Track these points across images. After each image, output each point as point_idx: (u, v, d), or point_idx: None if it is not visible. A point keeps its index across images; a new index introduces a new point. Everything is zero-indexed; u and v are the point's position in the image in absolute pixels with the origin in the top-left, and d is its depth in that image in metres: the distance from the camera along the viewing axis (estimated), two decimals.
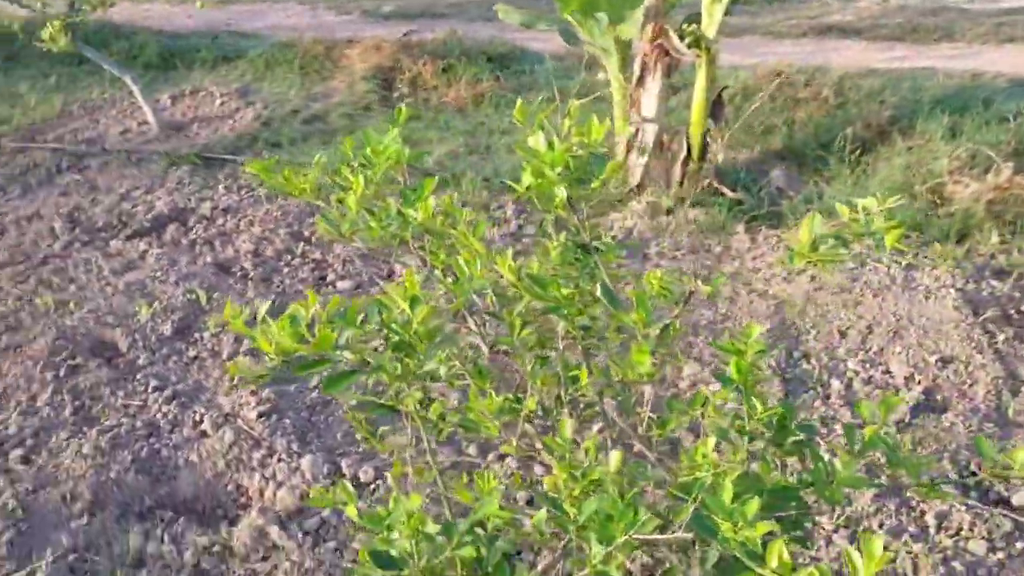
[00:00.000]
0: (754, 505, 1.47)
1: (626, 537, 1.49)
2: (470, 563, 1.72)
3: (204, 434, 3.55)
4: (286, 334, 1.61)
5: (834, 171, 5.71)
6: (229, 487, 3.32)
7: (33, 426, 3.64)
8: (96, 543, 3.04)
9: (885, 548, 3.07)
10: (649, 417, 2.20)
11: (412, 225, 2.32)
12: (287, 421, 3.57)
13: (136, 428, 3.60)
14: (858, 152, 5.74)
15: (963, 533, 2.98)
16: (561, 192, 2.17)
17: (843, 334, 4.19)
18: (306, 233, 5.36)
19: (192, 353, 4.15)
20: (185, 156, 6.78)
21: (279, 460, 3.37)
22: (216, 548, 3.01)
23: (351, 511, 1.56)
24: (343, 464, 3.34)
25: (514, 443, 1.99)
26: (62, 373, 3.99)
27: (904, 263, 4.62)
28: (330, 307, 1.59)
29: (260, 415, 3.59)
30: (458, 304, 1.79)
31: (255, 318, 1.65)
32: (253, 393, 3.73)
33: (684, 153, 5.63)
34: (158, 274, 4.89)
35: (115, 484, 3.29)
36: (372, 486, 3.26)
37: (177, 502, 3.27)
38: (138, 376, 3.98)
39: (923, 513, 3.07)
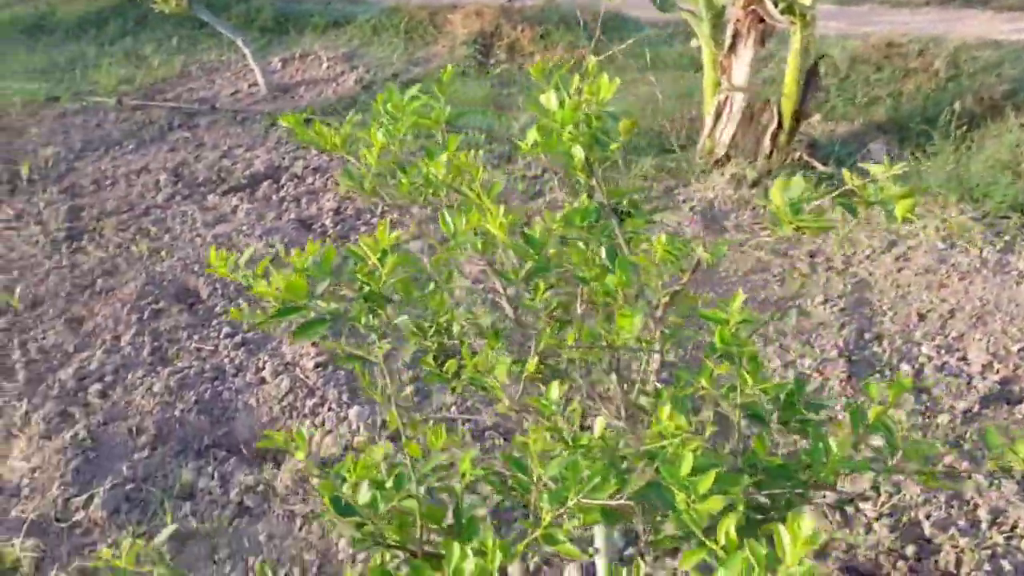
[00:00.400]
0: (708, 479, 1.43)
1: (576, 500, 1.48)
2: (437, 516, 1.75)
3: (264, 380, 3.71)
4: (279, 281, 1.68)
5: (937, 147, 5.37)
6: (281, 432, 3.46)
7: (114, 363, 3.90)
8: (153, 475, 3.24)
9: (930, 540, 2.92)
10: (656, 386, 2.17)
11: (433, 182, 2.34)
12: (341, 373, 3.68)
13: (204, 371, 3.80)
14: (964, 128, 5.38)
15: (1018, 531, 2.80)
16: (579, 153, 2.15)
17: (922, 317, 3.97)
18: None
19: (265, 303, 4.32)
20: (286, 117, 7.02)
21: (329, 409, 3.49)
22: (260, 488, 3.15)
23: (300, 455, 1.61)
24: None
25: (506, 403, 2.00)
26: (146, 316, 4.24)
27: (999, 246, 4.33)
28: (307, 256, 1.63)
29: (316, 365, 3.72)
30: (439, 259, 1.80)
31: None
32: (314, 344, 3.87)
33: (775, 124, 5.43)
34: (244, 228, 5.11)
35: (178, 422, 3.49)
36: (414, 440, 3.33)
37: (232, 443, 3.44)
38: (213, 322, 4.19)
39: (976, 507, 2.90)
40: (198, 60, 8.93)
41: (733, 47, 5.41)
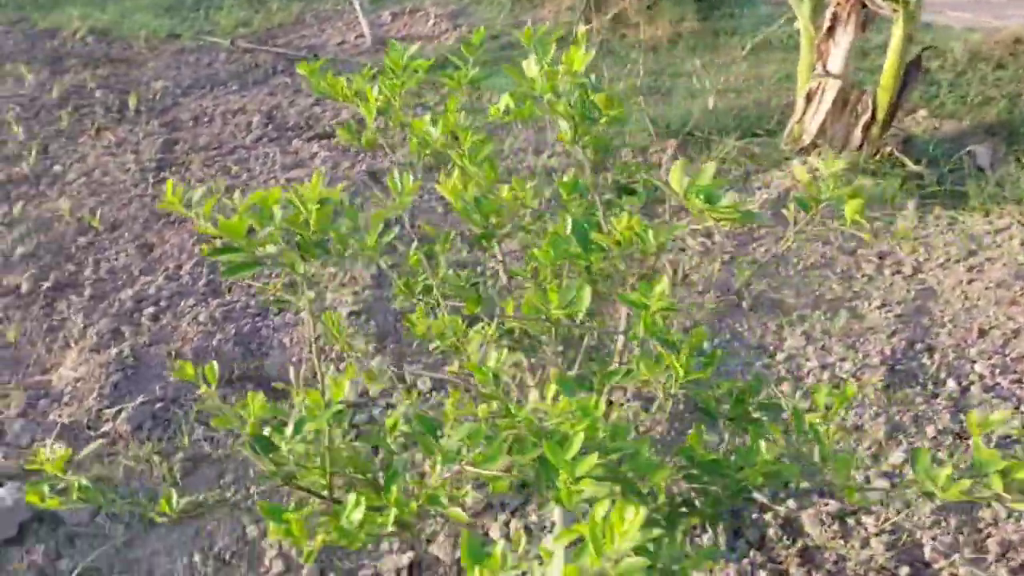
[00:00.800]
0: (588, 462, 1.41)
1: (460, 467, 1.50)
2: (362, 466, 1.80)
3: (300, 322, 3.85)
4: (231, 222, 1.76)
5: None
6: (307, 373, 3.59)
7: (171, 290, 4.12)
8: (182, 398, 3.42)
9: (928, 564, 2.79)
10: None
11: (429, 143, 2.36)
12: (373, 323, 3.77)
13: (249, 306, 3.96)
14: None
15: None
16: (565, 126, 2.12)
17: (983, 333, 3.73)
18: None
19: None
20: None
21: (356, 358, 3.58)
22: (274, 423, 3.28)
23: (204, 389, 1.67)
24: (406, 371, 3.50)
25: (456, 366, 2.02)
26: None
27: None
28: (249, 201, 1.69)
29: (351, 313, 3.82)
30: (379, 215, 1.82)
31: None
32: (355, 293, 3.97)
33: (868, 115, 5.16)
34: None
35: (214, 351, 3.66)
36: (428, 395, 3.40)
37: (261, 377, 3.59)
38: (269, 260, 4.35)
39: (987, 537, 2.74)
40: (314, 8, 9.16)
41: (831, 31, 5.16)
